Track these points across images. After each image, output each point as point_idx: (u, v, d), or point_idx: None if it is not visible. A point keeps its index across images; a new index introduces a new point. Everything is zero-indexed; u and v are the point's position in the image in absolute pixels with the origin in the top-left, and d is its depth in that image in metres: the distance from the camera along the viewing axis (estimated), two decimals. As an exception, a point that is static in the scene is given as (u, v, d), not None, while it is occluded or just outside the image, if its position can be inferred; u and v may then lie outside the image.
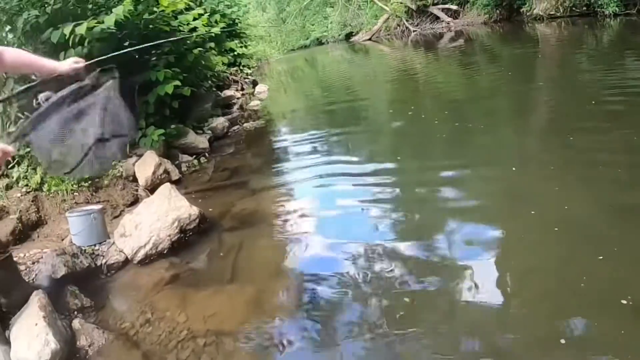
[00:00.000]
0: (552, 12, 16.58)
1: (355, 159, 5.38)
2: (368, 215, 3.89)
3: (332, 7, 42.74)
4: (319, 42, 46.07)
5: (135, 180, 5.49)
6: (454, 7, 25.61)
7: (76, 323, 2.93)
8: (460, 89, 8.30)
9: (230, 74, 14.43)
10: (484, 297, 2.57)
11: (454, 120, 5.99)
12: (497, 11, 20.62)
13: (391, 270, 3.02)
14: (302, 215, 4.19)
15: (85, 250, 3.79)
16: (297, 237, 3.80)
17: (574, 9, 16.08)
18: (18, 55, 2.53)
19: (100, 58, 2.72)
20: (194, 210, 4.05)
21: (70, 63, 2.68)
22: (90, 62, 2.64)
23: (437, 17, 27.13)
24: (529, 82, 7.65)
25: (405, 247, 3.26)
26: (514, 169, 3.98)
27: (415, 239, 3.32)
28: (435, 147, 5.12)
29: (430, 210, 3.69)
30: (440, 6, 26.61)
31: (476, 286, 2.67)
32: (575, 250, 2.83)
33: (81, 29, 4.84)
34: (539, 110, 5.95)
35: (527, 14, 18.10)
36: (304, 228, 3.94)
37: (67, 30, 4.89)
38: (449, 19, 25.73)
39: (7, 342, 2.63)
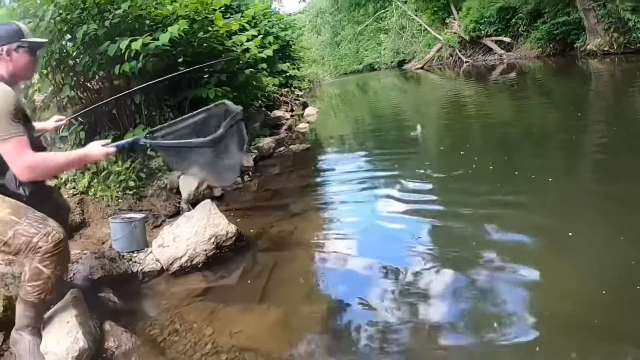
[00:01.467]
0: (605, 49, 16.33)
1: (399, 189, 5.27)
2: (406, 244, 3.86)
3: (386, 33, 43.17)
4: (372, 68, 46.51)
5: (178, 193, 5.65)
6: (507, 39, 25.50)
7: (106, 324, 3.00)
8: (516, 126, 7.97)
9: (281, 94, 14.67)
10: (517, 336, 2.53)
11: (512, 165, 5.53)
12: (551, 45, 20.43)
13: (425, 300, 2.99)
14: (339, 241, 4.18)
15: (123, 255, 3.92)
16: (331, 263, 3.81)
17: (628, 45, 15.82)
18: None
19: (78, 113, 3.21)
20: (232, 228, 4.14)
21: (52, 122, 3.39)
22: (70, 117, 3.04)
23: (490, 49, 27.08)
24: (590, 121, 7.46)
25: (442, 278, 3.23)
26: (570, 233, 3.59)
27: (453, 270, 3.29)
28: (488, 192, 4.80)
29: (473, 244, 3.62)
30: (494, 38, 26.55)
31: (507, 326, 2.61)
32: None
33: (136, 45, 5.04)
34: (604, 153, 5.66)
35: (581, 49, 17.88)
36: (340, 254, 3.92)
37: (123, 44, 5.09)
38: (502, 51, 25.64)
39: (39, 335, 2.74)
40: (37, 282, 2.60)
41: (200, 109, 3.13)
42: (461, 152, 6.49)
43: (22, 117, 2.58)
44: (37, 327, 2.75)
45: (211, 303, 3.36)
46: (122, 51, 5.11)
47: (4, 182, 2.64)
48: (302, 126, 12.05)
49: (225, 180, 3.20)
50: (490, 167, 5.50)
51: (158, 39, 5.24)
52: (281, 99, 14.64)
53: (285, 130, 11.57)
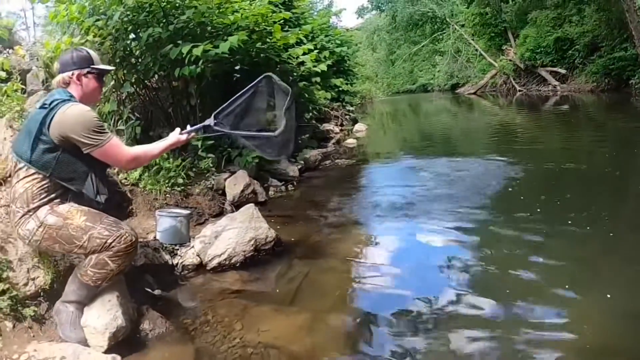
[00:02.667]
0: (662, 87, 15.99)
1: (441, 216, 5.21)
2: (439, 270, 3.88)
3: (442, 56, 43.12)
4: (424, 89, 46.46)
5: (223, 194, 5.88)
6: (563, 71, 25.14)
7: (143, 308, 3.22)
8: (569, 163, 7.42)
9: (332, 108, 14.81)
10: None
11: (565, 211, 4.98)
12: (606, 80, 20.03)
13: (453, 330, 2.98)
14: (375, 258, 4.25)
15: (166, 247, 4.14)
16: (364, 278, 3.87)
17: (684, 86, 15.53)
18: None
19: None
20: (272, 233, 4.33)
21: None
22: None
23: (544, 79, 26.73)
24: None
25: (472, 311, 3.21)
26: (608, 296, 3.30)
27: (484, 296, 3.33)
28: (534, 233, 4.46)
29: (510, 273, 3.63)
30: (549, 69, 26.23)
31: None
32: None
33: (197, 51, 5.26)
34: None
35: (636, 86, 17.49)
36: (374, 270, 4.00)
37: (185, 49, 5.32)
38: (556, 83, 25.29)
39: (82, 311, 2.95)
40: (100, 270, 2.86)
41: (250, 86, 3.46)
42: (509, 189, 6.21)
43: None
44: (83, 305, 2.96)
45: (243, 301, 3.52)
46: (184, 55, 5.36)
47: (84, 189, 2.91)
48: (350, 141, 12.18)
49: (286, 153, 3.53)
50: (538, 210, 5.13)
51: (218, 47, 5.46)
52: (332, 112, 14.79)
53: (334, 144, 11.74)
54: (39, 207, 2.81)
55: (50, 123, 2.74)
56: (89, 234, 2.79)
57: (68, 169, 2.83)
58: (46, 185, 2.82)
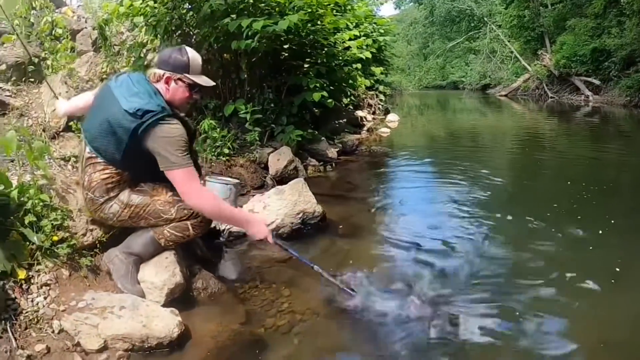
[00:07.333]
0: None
1: (469, 204, 5.42)
2: (471, 253, 4.04)
3: (475, 55, 42.69)
4: (455, 86, 46.12)
5: (265, 168, 6.03)
6: (597, 82, 24.56)
7: (195, 268, 3.32)
8: (594, 180, 6.75)
9: (366, 96, 14.87)
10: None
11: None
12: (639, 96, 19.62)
13: (482, 317, 3.02)
14: (411, 242, 4.30)
15: (214, 212, 4.25)
16: (402, 260, 3.96)
17: None
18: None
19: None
20: (319, 209, 4.45)
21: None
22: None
23: (577, 89, 26.23)
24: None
25: (488, 295, 3.31)
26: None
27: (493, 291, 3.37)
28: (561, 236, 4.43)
29: (529, 284, 3.49)
30: (583, 78, 25.68)
31: None
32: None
33: (257, 25, 5.36)
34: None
35: (671, 103, 17.18)
36: (411, 254, 4.06)
37: (244, 23, 5.43)
38: (589, 93, 24.81)
39: (138, 267, 3.05)
40: (178, 234, 3.01)
41: None
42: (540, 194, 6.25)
43: (189, 150, 2.89)
44: (141, 260, 3.06)
45: (290, 270, 3.64)
46: (243, 29, 5.45)
47: None
48: (384, 130, 12.38)
49: None
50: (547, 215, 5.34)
51: (277, 24, 5.55)
52: (366, 100, 14.85)
53: (366, 131, 11.85)
54: (119, 193, 2.94)
55: (141, 135, 2.71)
56: (177, 206, 2.92)
57: (155, 177, 2.91)
58: (126, 176, 2.94)
